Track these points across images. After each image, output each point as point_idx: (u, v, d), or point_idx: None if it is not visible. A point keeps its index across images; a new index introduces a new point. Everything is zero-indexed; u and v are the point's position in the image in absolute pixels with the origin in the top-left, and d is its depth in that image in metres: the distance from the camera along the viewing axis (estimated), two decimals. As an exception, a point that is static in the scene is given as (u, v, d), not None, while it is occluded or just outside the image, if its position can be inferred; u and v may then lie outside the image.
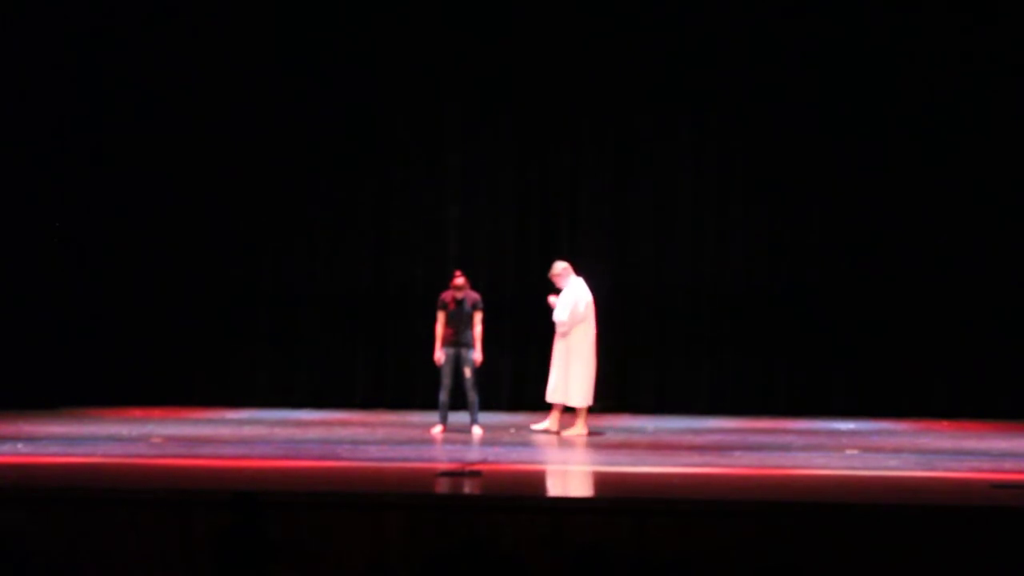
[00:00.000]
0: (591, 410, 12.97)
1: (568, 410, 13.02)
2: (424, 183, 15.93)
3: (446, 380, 12.89)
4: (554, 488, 10.01)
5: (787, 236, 15.59)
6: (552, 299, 12.94)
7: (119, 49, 15.59)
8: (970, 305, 15.23)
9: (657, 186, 15.73)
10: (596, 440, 12.61)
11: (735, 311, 15.61)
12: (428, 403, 14.97)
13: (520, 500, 8.98)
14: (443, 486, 9.16)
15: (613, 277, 15.69)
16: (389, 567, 7.29)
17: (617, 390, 15.64)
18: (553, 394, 12.94)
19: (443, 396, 12.94)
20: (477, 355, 12.82)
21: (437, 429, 12.91)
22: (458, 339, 12.80)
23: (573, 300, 12.79)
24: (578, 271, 13.12)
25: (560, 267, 13.02)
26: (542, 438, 12.66)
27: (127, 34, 15.59)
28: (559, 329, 12.85)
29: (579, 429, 12.86)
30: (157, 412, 14.66)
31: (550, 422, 12.98)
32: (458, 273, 12.96)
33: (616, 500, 8.56)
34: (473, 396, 12.87)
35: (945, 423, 14.60)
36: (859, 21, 15.29)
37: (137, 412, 14.65)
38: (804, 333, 15.45)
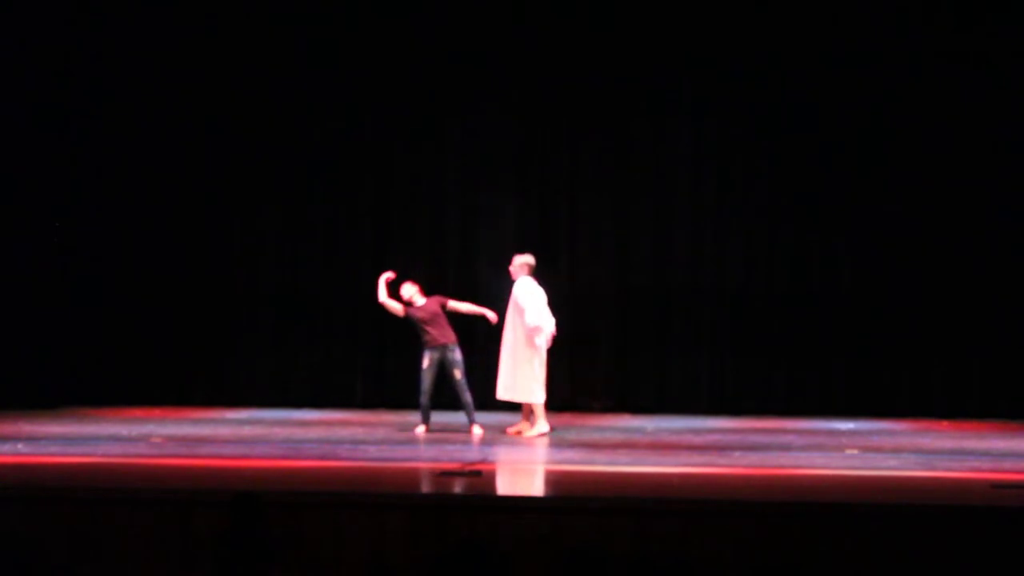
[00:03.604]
0: (594, 409, 12.87)
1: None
2: (424, 183, 15.93)
3: (426, 384, 12.76)
4: (554, 488, 10.00)
5: (787, 236, 15.58)
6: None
7: (120, 48, 15.59)
8: (970, 305, 15.23)
9: (657, 186, 15.72)
10: (597, 440, 12.59)
11: (735, 311, 15.61)
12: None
13: (520, 500, 8.99)
14: (443, 486, 9.16)
15: (613, 277, 15.72)
16: (389, 567, 7.29)
17: (617, 390, 15.67)
18: (504, 392, 12.86)
19: (424, 400, 12.81)
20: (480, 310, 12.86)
21: (420, 429, 12.85)
22: (441, 341, 12.76)
23: (528, 301, 12.72)
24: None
25: (517, 261, 12.95)
26: (540, 439, 12.64)
27: (129, 33, 15.59)
28: (536, 335, 12.72)
29: (540, 427, 12.76)
30: (157, 412, 14.66)
31: (539, 424, 12.87)
32: (409, 283, 12.97)
33: (616, 500, 8.55)
34: (467, 397, 12.80)
35: (945, 423, 14.60)
36: (858, 24, 15.28)
37: (137, 412, 14.65)
38: (804, 333, 15.45)
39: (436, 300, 12.92)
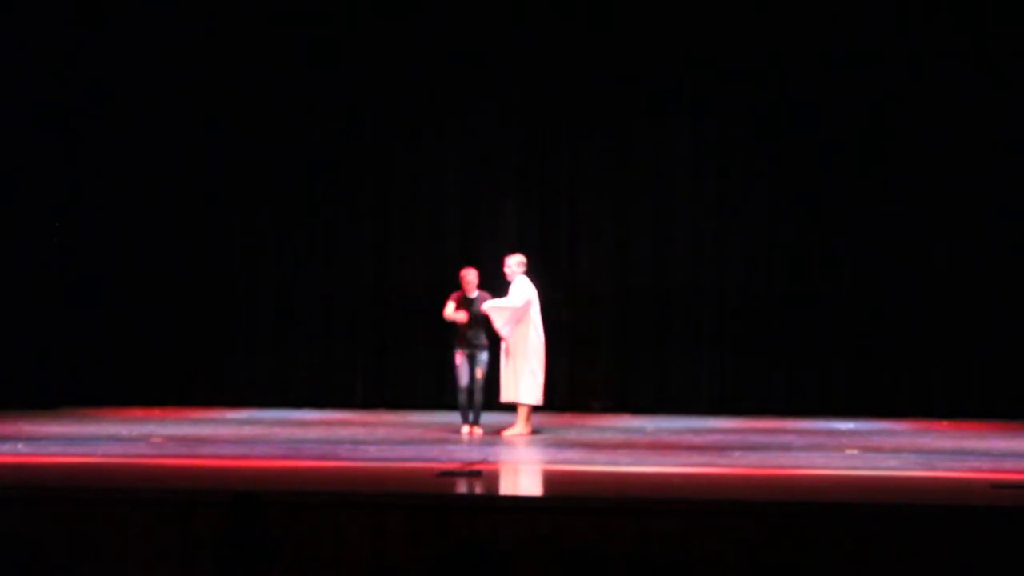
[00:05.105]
0: (594, 409, 12.82)
1: (537, 410, 12.97)
2: (424, 183, 15.93)
3: (464, 381, 12.78)
4: (554, 488, 10.00)
5: (787, 236, 15.58)
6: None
7: (120, 48, 15.59)
8: (970, 305, 15.22)
9: (657, 186, 15.72)
10: (597, 440, 12.59)
11: (735, 311, 15.60)
12: (428, 403, 14.99)
13: (520, 500, 9.00)
14: (443, 486, 9.16)
15: (613, 277, 15.72)
16: (389, 567, 7.29)
17: (617, 390, 15.67)
18: (505, 394, 12.86)
19: (463, 398, 12.83)
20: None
21: (466, 430, 12.81)
22: (473, 341, 12.76)
23: (518, 294, 12.70)
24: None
25: (512, 261, 12.89)
26: (538, 439, 12.62)
27: (129, 33, 15.60)
28: (496, 322, 12.71)
29: (520, 428, 12.74)
30: (157, 412, 14.67)
31: (518, 425, 12.82)
32: (470, 268, 12.88)
33: (616, 500, 8.55)
34: (479, 398, 12.81)
35: (945, 423, 14.60)
36: (858, 24, 15.28)
37: (137, 412, 14.66)
38: (804, 333, 15.44)
39: (484, 298, 12.84)
